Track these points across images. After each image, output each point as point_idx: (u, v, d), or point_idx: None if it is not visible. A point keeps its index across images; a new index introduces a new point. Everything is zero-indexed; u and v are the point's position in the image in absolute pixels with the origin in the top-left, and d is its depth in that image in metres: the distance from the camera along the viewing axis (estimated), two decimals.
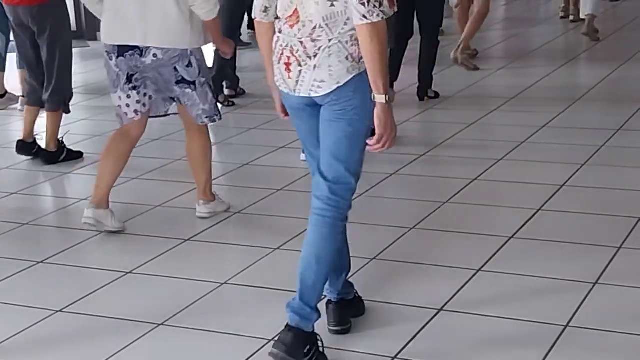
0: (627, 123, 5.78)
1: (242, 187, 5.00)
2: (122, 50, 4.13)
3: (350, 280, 3.34)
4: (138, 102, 4.23)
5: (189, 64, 4.15)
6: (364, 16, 2.79)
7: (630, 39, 8.77)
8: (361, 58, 2.87)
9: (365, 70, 2.86)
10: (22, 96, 6.56)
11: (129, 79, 4.18)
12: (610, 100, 6.61)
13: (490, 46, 8.00)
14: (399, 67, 6.36)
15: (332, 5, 2.86)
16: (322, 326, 3.23)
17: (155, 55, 4.10)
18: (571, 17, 9.75)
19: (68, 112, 5.54)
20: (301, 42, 2.94)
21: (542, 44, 8.69)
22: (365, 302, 3.44)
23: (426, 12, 6.41)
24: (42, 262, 4.02)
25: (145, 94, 4.24)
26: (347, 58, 2.89)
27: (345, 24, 2.88)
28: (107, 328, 3.39)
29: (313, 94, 2.94)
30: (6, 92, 6.96)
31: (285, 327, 3.00)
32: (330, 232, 2.98)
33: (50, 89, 5.36)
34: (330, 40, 2.90)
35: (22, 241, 4.35)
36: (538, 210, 4.35)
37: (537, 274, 3.65)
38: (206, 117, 4.29)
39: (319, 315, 3.04)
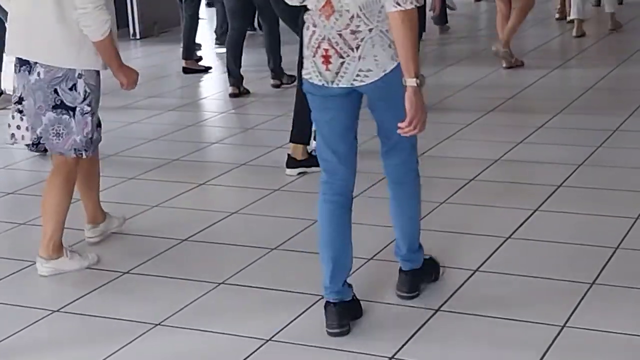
0: (623, 124, 5.79)
1: (240, 187, 5.00)
2: (20, 64, 3.76)
3: (347, 280, 3.35)
4: (19, 127, 3.82)
5: (73, 87, 3.69)
6: (398, 3, 2.93)
7: (625, 41, 8.77)
8: None
9: None
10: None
11: (20, 101, 3.79)
12: (608, 101, 6.61)
13: (487, 47, 7.98)
14: None
15: None
16: (319, 328, 3.23)
17: (39, 74, 3.68)
18: (568, 18, 9.76)
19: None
20: (340, 35, 3.05)
21: (539, 45, 8.70)
22: (363, 302, 3.44)
23: None
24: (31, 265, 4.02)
25: (27, 127, 3.79)
26: (389, 46, 3.04)
27: (380, 12, 3.02)
28: (104, 328, 3.39)
29: (358, 84, 3.07)
30: (2, 92, 6.93)
31: (400, 271, 3.45)
32: (412, 191, 3.38)
33: None
34: (370, 31, 3.03)
35: (18, 241, 4.35)
36: (535, 211, 4.35)
37: (534, 274, 3.65)
38: (77, 151, 3.76)
39: (422, 252, 3.49)
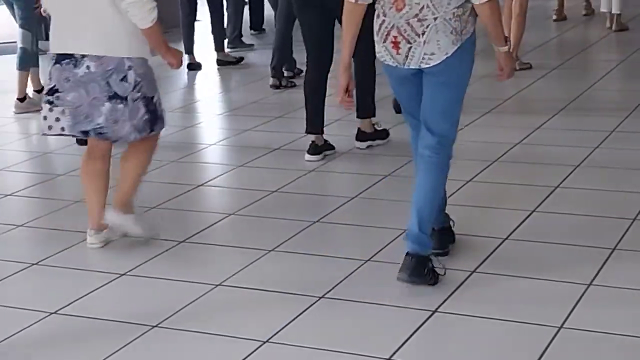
0: (621, 124, 5.79)
1: (237, 189, 5.00)
2: (60, 57, 3.92)
3: (349, 278, 3.45)
4: (45, 119, 3.98)
5: (124, 79, 3.86)
6: None
7: (625, 41, 8.77)
8: (462, 31, 3.47)
9: (467, 39, 3.49)
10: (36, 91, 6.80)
11: (51, 92, 3.94)
12: (604, 102, 6.62)
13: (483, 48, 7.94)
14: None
15: None
16: (317, 329, 3.23)
17: (88, 67, 3.85)
18: (583, 12, 9.85)
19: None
20: (408, 23, 3.46)
21: (537, 45, 8.70)
22: (360, 304, 3.45)
23: None
24: (36, 263, 4.02)
25: (57, 118, 3.95)
26: (451, 32, 3.46)
27: (449, 3, 3.44)
28: (101, 330, 3.39)
29: (424, 65, 3.51)
30: (26, 96, 6.86)
31: (406, 255, 3.55)
32: (439, 172, 3.62)
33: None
34: (435, 19, 3.44)
35: (16, 243, 4.35)
36: (532, 212, 4.35)
37: (531, 275, 3.65)
38: (139, 132, 3.95)
39: (432, 243, 3.63)
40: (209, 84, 7.99)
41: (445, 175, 3.65)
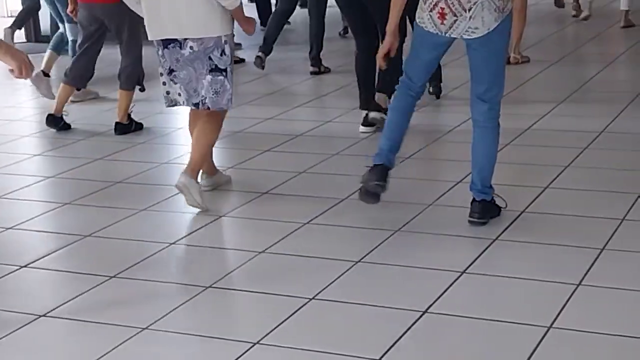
0: (609, 126, 5.81)
1: (227, 191, 4.99)
2: (166, 42, 4.49)
3: (340, 279, 3.47)
4: (179, 94, 4.59)
5: (223, 53, 4.46)
6: None
7: (614, 41, 8.80)
8: (504, 8, 3.93)
9: (506, 16, 3.97)
10: (45, 73, 7.36)
11: (170, 72, 4.55)
12: (594, 102, 6.64)
13: None
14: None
15: None
16: (308, 331, 3.22)
17: (191, 47, 4.44)
18: (573, 13, 9.87)
19: (144, 89, 6.37)
20: None
21: (530, 44, 8.72)
22: (351, 304, 3.45)
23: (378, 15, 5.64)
24: (25, 266, 4.01)
25: (179, 92, 4.58)
26: (495, 10, 3.92)
27: None
28: (90, 332, 3.38)
29: (467, 37, 3.98)
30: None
31: (473, 201, 4.17)
32: (493, 136, 4.14)
33: (127, 70, 6.09)
34: None
35: (4, 246, 4.33)
36: (522, 212, 4.36)
37: (521, 275, 3.66)
38: (229, 102, 4.56)
39: (493, 191, 4.20)
40: None
41: (498, 135, 4.12)
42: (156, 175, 5.27)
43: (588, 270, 3.67)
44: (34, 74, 6.96)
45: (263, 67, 7.90)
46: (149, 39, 4.58)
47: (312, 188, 4.89)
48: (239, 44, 9.18)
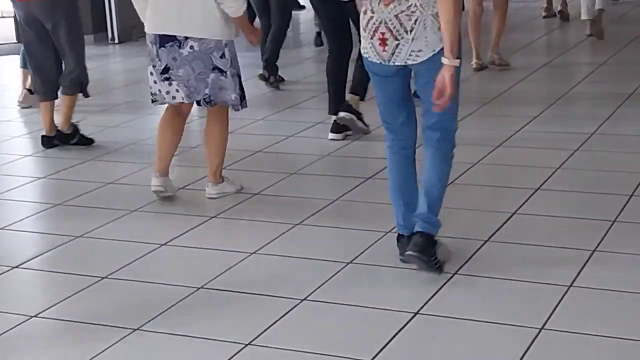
0: (600, 127, 5.82)
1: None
2: (163, 40, 4.48)
3: (332, 280, 3.46)
4: (168, 93, 4.58)
5: (222, 55, 4.49)
6: None
7: (603, 44, 8.83)
8: None
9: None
10: (29, 90, 6.82)
11: (165, 71, 4.53)
12: (587, 103, 6.66)
13: (466, 49, 7.97)
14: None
15: None
16: (299, 332, 3.22)
17: (192, 47, 4.45)
18: (544, 14, 9.87)
19: (87, 95, 5.95)
20: (396, 17, 3.51)
21: (521, 47, 8.74)
22: (342, 306, 3.45)
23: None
24: (17, 267, 4.00)
25: (177, 89, 4.55)
26: (439, 29, 3.49)
27: (435, 2, 3.46)
28: (82, 333, 3.37)
29: (411, 62, 3.55)
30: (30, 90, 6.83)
31: (416, 233, 3.66)
32: (445, 159, 3.73)
33: (72, 74, 5.70)
34: (423, 15, 3.48)
35: None
36: (513, 214, 4.37)
37: (513, 277, 3.67)
38: (234, 106, 4.60)
39: (439, 226, 3.72)
40: None
41: (450, 163, 3.75)
42: (147, 177, 5.25)
43: (579, 272, 3.68)
44: (21, 97, 6.93)
45: (271, 85, 7.38)
46: (146, 31, 4.57)
47: (305, 190, 4.89)
48: None
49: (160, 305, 3.53)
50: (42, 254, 4.14)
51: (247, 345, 3.20)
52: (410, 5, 3.48)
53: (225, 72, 4.53)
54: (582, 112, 6.36)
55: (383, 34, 3.53)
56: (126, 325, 3.38)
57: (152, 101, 4.72)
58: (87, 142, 5.90)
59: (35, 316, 3.51)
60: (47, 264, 4.05)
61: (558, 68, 7.96)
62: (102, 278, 3.83)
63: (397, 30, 3.51)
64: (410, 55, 3.53)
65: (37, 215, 4.74)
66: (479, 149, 5.44)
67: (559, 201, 4.58)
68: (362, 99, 5.81)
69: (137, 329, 3.36)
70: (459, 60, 3.47)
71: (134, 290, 3.73)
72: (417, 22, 3.48)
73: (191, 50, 4.47)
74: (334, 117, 5.76)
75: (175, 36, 4.47)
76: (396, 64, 3.56)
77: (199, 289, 3.69)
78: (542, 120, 6.11)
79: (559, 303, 3.42)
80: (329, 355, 3.12)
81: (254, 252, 4.04)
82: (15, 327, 3.43)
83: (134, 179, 5.23)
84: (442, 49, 3.47)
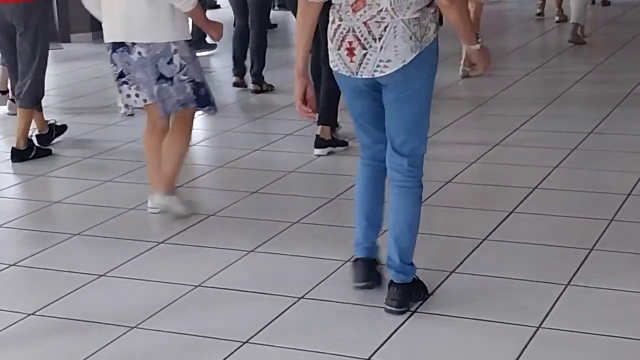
0: (598, 126, 5.83)
1: (217, 189, 4.99)
2: (115, 46, 4.30)
3: (329, 279, 3.42)
4: (129, 96, 4.36)
5: (170, 61, 4.24)
6: None
7: (601, 44, 8.83)
8: (423, 37, 3.20)
9: (427, 48, 3.21)
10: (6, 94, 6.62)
11: (121, 75, 4.34)
12: (583, 103, 6.67)
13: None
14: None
15: None
16: (297, 329, 3.23)
17: (139, 53, 4.23)
18: (556, 18, 9.85)
19: (41, 110, 5.67)
20: (365, 24, 3.19)
21: (517, 46, 8.74)
22: (339, 304, 3.46)
23: None
24: (14, 264, 4.00)
25: (136, 93, 4.34)
26: (410, 38, 3.18)
27: (408, 8, 3.16)
28: (79, 331, 3.37)
29: (378, 75, 3.22)
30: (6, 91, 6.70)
31: (391, 283, 3.38)
32: (414, 200, 3.36)
33: (26, 86, 5.43)
34: (394, 21, 3.17)
35: None
36: (511, 213, 4.38)
37: (510, 275, 3.67)
38: (180, 105, 4.33)
39: (415, 268, 3.44)
40: None
41: (420, 205, 3.39)
42: (143, 175, 5.25)
43: (577, 271, 3.68)
44: (7, 105, 6.73)
45: (252, 89, 7.19)
46: (105, 41, 4.35)
47: (304, 188, 4.89)
48: (214, 45, 8.85)
49: (159, 303, 3.53)
50: (40, 251, 4.13)
51: (244, 343, 3.20)
52: (381, 10, 3.15)
53: (171, 79, 4.26)
54: (579, 112, 6.36)
55: (350, 43, 3.21)
56: (124, 322, 3.38)
57: (126, 107, 4.41)
58: (44, 153, 5.62)
59: (32, 314, 3.51)
60: (45, 261, 4.04)
61: (555, 68, 7.97)
62: (100, 276, 3.83)
63: (365, 39, 3.19)
64: (378, 66, 3.19)
65: (35, 212, 4.73)
66: (475, 148, 5.44)
67: (556, 200, 4.59)
68: (336, 125, 5.49)
69: (135, 326, 3.36)
70: (478, 45, 3.38)
71: (132, 288, 3.72)
72: (387, 29, 3.16)
73: (139, 56, 4.24)
74: (317, 131, 5.46)
75: (124, 42, 4.26)
76: (363, 76, 3.24)
77: (196, 286, 3.68)
78: (539, 120, 6.11)
79: (556, 302, 3.42)
80: (327, 353, 3.12)
81: (251, 251, 4.04)
82: (12, 324, 3.42)
83: (131, 177, 5.22)
84: (413, 60, 3.17)
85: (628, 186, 4.66)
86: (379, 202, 3.51)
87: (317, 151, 5.41)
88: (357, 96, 3.36)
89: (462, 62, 7.31)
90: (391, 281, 3.39)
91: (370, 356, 3.09)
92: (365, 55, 3.20)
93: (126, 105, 4.40)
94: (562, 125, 5.94)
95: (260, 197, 4.79)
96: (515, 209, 4.43)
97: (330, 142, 5.45)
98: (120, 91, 4.39)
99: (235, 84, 7.32)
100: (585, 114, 6.21)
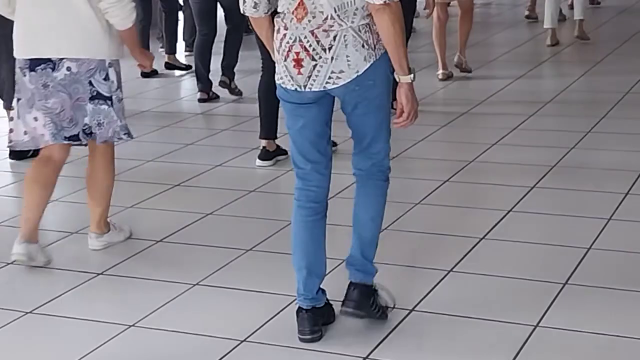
0: (596, 126, 5.83)
1: (214, 189, 4.98)
2: (34, 64, 3.75)
3: (326, 278, 3.32)
4: (34, 129, 3.82)
5: (106, 77, 3.78)
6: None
7: (597, 45, 8.83)
8: (376, 45, 2.99)
9: (383, 55, 2.99)
10: None
11: (31, 101, 3.79)
12: (580, 103, 6.67)
13: (454, 53, 7.89)
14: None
15: None
16: (294, 329, 3.23)
17: (69, 68, 3.74)
18: (526, 13, 9.86)
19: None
20: (312, 33, 2.98)
21: (510, 49, 8.73)
22: (337, 303, 3.45)
23: None
24: (11, 263, 3.99)
25: (43, 124, 3.80)
26: (363, 46, 2.98)
27: (355, 14, 2.97)
28: (77, 330, 3.37)
29: (330, 86, 3.01)
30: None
31: (350, 285, 3.21)
32: (379, 191, 3.21)
33: (6, 86, 5.26)
34: (343, 30, 2.96)
35: None
36: (508, 212, 4.38)
37: (508, 274, 3.67)
38: (124, 134, 3.90)
39: (377, 270, 3.26)
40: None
41: (384, 202, 3.23)
42: (145, 173, 5.25)
43: (574, 270, 3.69)
44: None
45: (233, 92, 6.95)
46: (16, 56, 3.82)
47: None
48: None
49: (157, 301, 3.53)
50: None
51: (242, 341, 3.21)
52: (327, 18, 2.95)
53: (110, 98, 3.79)
54: (577, 111, 6.37)
55: (298, 53, 2.99)
56: (122, 320, 3.38)
57: (9, 143, 3.96)
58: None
59: (30, 312, 3.51)
60: None
61: (551, 68, 7.97)
62: (99, 274, 3.83)
63: (314, 49, 2.97)
64: (330, 78, 2.99)
65: None
66: (472, 147, 5.45)
67: (554, 199, 4.59)
68: (275, 138, 5.31)
69: (133, 324, 3.36)
70: (411, 76, 3.01)
71: (130, 286, 3.72)
72: (337, 38, 2.95)
73: (68, 73, 3.73)
74: (263, 143, 5.29)
75: (49, 58, 3.73)
76: (313, 89, 3.01)
77: (194, 285, 3.68)
78: (536, 119, 6.11)
79: (553, 300, 3.42)
80: (324, 352, 3.13)
81: (249, 249, 4.04)
82: (8, 323, 3.42)
83: (131, 175, 5.21)
84: (367, 70, 2.98)
85: (626, 185, 4.66)
86: (321, 249, 3.22)
87: (260, 163, 5.26)
88: (299, 114, 3.10)
89: (439, 64, 7.25)
90: (350, 282, 3.22)
91: (368, 355, 3.09)
92: (315, 66, 2.99)
93: (10, 141, 3.90)
94: (559, 125, 5.94)
95: (256, 196, 4.78)
96: (513, 208, 4.43)
97: (275, 152, 5.27)
98: (21, 120, 3.81)
99: (202, 100, 6.90)
100: (583, 113, 6.21)
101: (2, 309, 3.54)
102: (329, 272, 3.71)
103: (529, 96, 6.84)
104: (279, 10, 3.07)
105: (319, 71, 3.00)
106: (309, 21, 2.98)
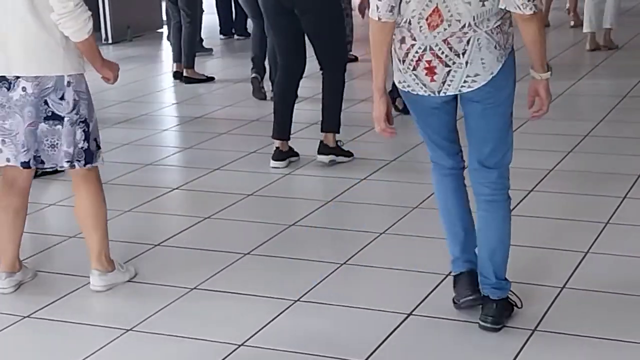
0: (594, 129, 5.84)
1: (213, 192, 4.98)
2: None
3: (325, 281, 3.33)
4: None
5: (62, 97, 3.48)
6: (518, 7, 2.98)
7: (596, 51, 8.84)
8: (505, 44, 3.08)
9: (510, 52, 3.10)
10: None
11: None
12: (579, 107, 6.68)
13: None
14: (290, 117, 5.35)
15: (483, 5, 3.00)
16: (292, 333, 3.22)
17: (24, 89, 3.46)
18: (571, 23, 9.76)
19: None
20: (445, 41, 3.03)
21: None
22: (335, 307, 3.46)
23: (323, 44, 5.18)
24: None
25: (2, 141, 3.55)
26: (495, 47, 3.05)
27: (489, 20, 3.03)
28: (75, 333, 3.37)
29: (466, 90, 3.08)
30: None
31: (488, 301, 3.24)
32: (504, 213, 3.25)
33: None
34: (477, 33, 3.03)
35: None
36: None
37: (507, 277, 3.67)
38: (70, 163, 3.54)
39: (510, 282, 3.31)
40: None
41: (510, 214, 3.27)
42: (141, 177, 5.25)
43: (572, 274, 3.69)
44: None
45: (264, 96, 6.88)
46: None
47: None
48: (210, 49, 8.81)
49: (154, 305, 3.53)
50: (35, 253, 4.13)
51: (240, 345, 3.20)
52: (464, 26, 3.00)
53: (62, 119, 3.48)
54: (575, 114, 6.37)
55: (429, 62, 3.04)
56: (119, 325, 3.38)
57: None
58: None
59: (27, 316, 3.50)
60: (40, 263, 4.03)
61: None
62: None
63: (447, 56, 3.03)
64: (465, 82, 3.06)
65: (30, 215, 4.71)
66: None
67: (553, 203, 4.59)
68: (338, 132, 5.31)
69: (131, 329, 3.36)
70: (549, 73, 3.16)
71: (128, 290, 3.72)
72: (470, 42, 3.02)
73: (23, 93, 3.45)
74: (276, 143, 5.28)
75: (4, 76, 3.48)
76: (448, 94, 3.10)
77: (192, 288, 3.68)
78: (535, 122, 6.08)
79: (551, 304, 3.42)
80: (323, 356, 3.13)
81: (247, 253, 4.04)
82: (8, 327, 3.42)
83: (127, 179, 5.21)
84: (501, 69, 3.06)
85: (624, 189, 4.66)
86: (468, 210, 3.38)
87: (320, 157, 5.26)
88: (433, 114, 3.21)
89: None
90: (487, 297, 3.25)
91: (367, 358, 3.09)
92: (449, 72, 3.05)
93: (7, 159, 3.56)
94: (558, 128, 5.93)
95: (255, 200, 4.78)
96: (511, 211, 4.42)
97: (334, 149, 5.27)
98: None
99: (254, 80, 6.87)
100: (581, 116, 6.20)
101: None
102: (329, 275, 3.72)
103: (526, 100, 6.82)
104: (406, 16, 3.06)
105: (453, 76, 3.06)
106: (444, 29, 3.02)
